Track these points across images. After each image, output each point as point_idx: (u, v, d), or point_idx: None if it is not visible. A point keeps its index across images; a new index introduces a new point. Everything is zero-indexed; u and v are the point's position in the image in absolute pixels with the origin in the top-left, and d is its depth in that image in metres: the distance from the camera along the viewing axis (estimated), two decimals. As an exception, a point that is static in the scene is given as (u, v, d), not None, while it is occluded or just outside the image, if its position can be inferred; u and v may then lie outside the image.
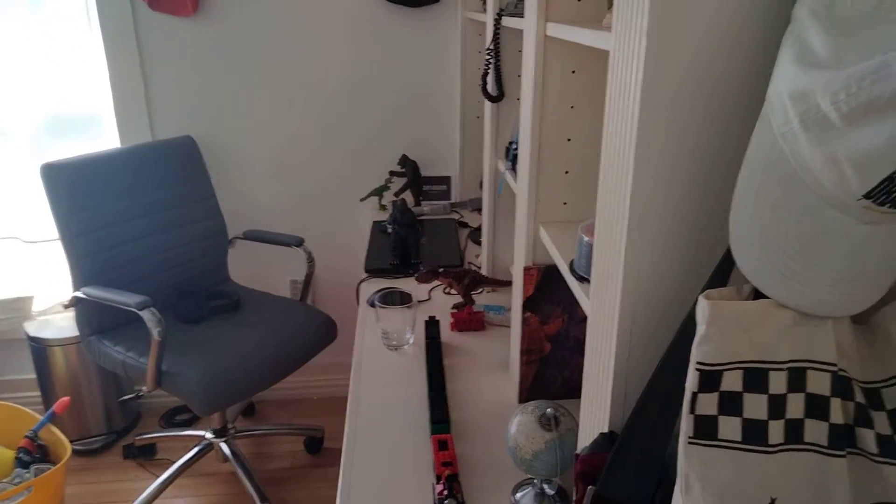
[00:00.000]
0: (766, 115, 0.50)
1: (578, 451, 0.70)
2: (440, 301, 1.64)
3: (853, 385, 0.54)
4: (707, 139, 0.57)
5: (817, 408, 0.53)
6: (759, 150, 0.50)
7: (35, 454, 1.94)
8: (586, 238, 0.84)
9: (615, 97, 0.61)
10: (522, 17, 1.07)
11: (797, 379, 0.53)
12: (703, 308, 0.53)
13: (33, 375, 2.29)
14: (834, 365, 0.53)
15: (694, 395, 0.54)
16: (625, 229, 0.60)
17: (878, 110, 0.41)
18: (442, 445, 1.07)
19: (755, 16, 0.53)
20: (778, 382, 0.53)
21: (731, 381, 0.53)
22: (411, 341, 1.43)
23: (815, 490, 0.53)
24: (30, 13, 2.08)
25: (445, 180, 2.30)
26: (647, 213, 0.59)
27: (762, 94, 0.51)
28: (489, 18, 1.42)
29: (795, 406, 0.53)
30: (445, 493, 0.96)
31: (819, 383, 0.53)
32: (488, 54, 1.37)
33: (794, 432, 0.53)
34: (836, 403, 0.53)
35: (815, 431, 0.53)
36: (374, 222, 2.15)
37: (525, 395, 1.23)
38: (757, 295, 0.54)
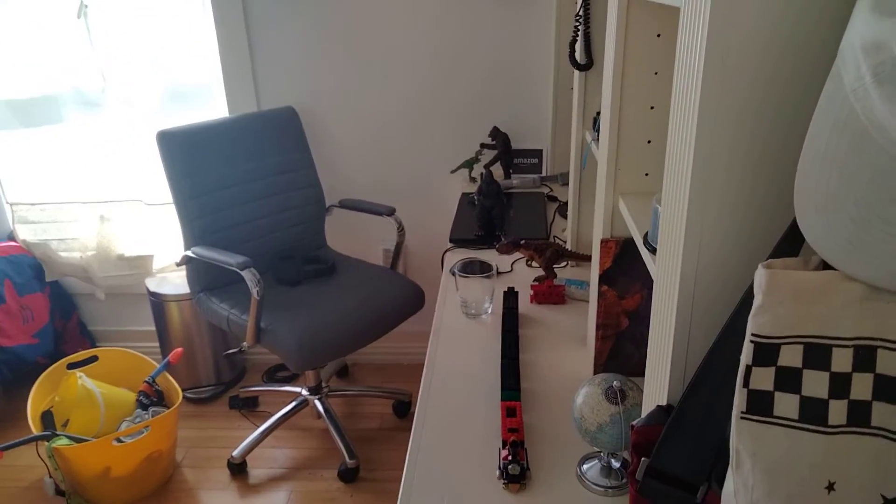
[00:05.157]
0: (837, 71, 0.46)
1: (634, 422, 0.69)
2: (523, 273, 1.63)
3: (934, 370, 0.50)
4: (775, 97, 0.53)
5: (888, 390, 0.49)
6: (829, 108, 0.46)
7: (153, 398, 2.15)
8: (661, 208, 0.81)
9: (683, 57, 0.58)
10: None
11: (865, 358, 0.49)
12: (760, 277, 0.50)
13: (153, 327, 2.52)
14: (910, 346, 0.49)
15: (748, 369, 0.51)
16: (687, 191, 0.57)
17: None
18: (510, 412, 1.08)
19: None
20: (842, 360, 0.49)
21: (790, 356, 0.50)
22: (490, 311, 1.44)
23: (879, 477, 0.49)
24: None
25: (537, 153, 2.27)
26: (710, 175, 0.56)
27: (836, 50, 0.47)
28: (581, -17, 1.38)
29: (862, 386, 0.50)
30: (510, 457, 0.97)
31: (891, 364, 0.49)
32: (577, 20, 1.33)
33: (858, 414, 0.50)
34: (910, 388, 0.49)
35: (885, 415, 0.49)
36: (463, 194, 2.17)
37: (600, 370, 1.21)
38: (826, 267, 0.51)
